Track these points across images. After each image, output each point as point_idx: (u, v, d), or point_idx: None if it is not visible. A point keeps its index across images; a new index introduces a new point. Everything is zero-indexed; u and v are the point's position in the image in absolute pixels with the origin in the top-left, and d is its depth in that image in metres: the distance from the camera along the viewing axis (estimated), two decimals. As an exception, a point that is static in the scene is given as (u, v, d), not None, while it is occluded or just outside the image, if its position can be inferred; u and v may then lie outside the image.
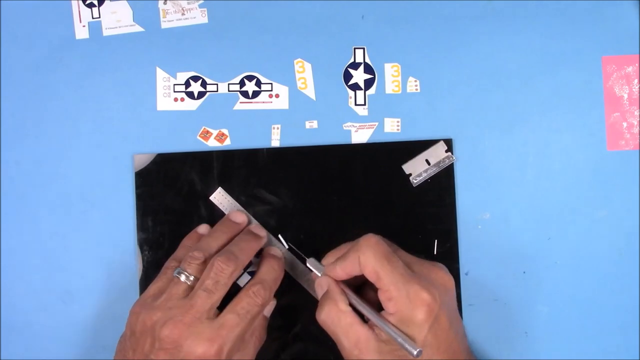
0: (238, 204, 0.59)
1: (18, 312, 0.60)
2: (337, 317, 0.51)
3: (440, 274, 0.52)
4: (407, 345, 0.48)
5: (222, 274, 0.51)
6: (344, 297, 0.52)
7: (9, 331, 0.60)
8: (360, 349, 0.50)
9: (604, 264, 0.59)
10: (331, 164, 0.59)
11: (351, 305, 0.52)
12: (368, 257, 0.50)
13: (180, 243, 0.57)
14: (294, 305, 0.59)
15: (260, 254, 0.57)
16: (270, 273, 0.55)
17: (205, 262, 0.53)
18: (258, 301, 0.52)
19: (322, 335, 0.57)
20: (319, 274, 0.54)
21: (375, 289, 0.52)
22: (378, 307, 0.51)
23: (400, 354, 0.49)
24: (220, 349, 0.50)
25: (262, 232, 0.58)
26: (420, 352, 0.47)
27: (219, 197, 0.59)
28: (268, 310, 0.56)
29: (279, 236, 0.59)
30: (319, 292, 0.54)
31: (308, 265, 0.55)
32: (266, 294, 0.53)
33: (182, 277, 0.52)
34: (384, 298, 0.50)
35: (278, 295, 0.56)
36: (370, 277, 0.50)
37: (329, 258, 0.55)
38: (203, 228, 0.58)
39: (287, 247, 0.59)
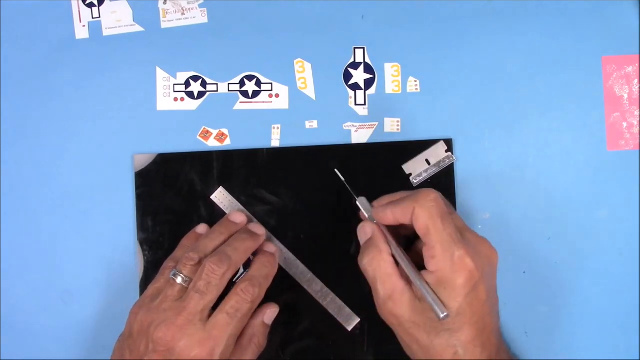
0: (239, 203, 0.59)
1: (18, 312, 0.60)
2: (379, 265, 0.50)
3: (487, 246, 0.51)
4: (435, 306, 0.47)
5: (214, 275, 0.51)
6: (387, 247, 0.51)
7: (9, 331, 0.60)
8: (394, 301, 0.49)
9: (604, 264, 0.59)
10: (331, 164, 0.59)
11: (392, 256, 0.51)
12: (423, 210, 0.49)
13: (179, 243, 0.57)
14: (294, 305, 0.59)
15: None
16: (261, 269, 0.54)
17: (200, 263, 0.52)
18: (247, 298, 0.52)
19: (322, 334, 0.57)
20: (367, 215, 0.53)
21: (420, 247, 0.51)
22: (420, 265, 0.50)
23: (431, 315, 0.48)
24: (212, 350, 0.50)
25: (260, 231, 0.57)
26: (446, 317, 0.47)
27: (220, 197, 0.59)
28: (269, 318, 0.56)
29: (335, 170, 0.58)
30: (362, 237, 0.53)
31: (358, 204, 0.54)
32: (255, 291, 0.52)
33: (178, 279, 0.52)
34: (427, 255, 0.49)
35: (279, 294, 0.56)
36: (420, 231, 0.49)
37: (382, 201, 0.54)
38: (202, 228, 0.58)
39: (343, 179, 0.57)
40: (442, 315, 0.47)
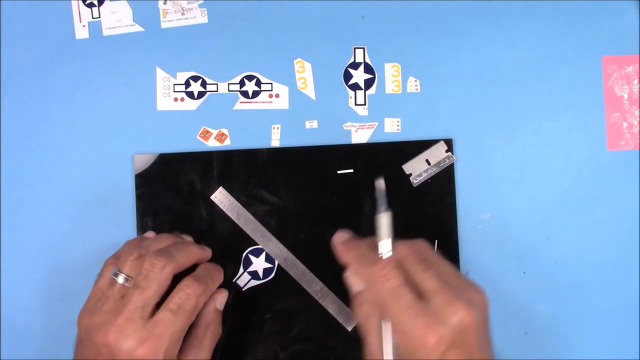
0: (239, 204, 0.59)
1: (18, 312, 0.60)
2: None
3: (479, 293, 0.49)
4: None
5: (153, 268, 0.50)
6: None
7: (9, 331, 0.60)
8: None
9: (604, 264, 0.59)
10: (331, 164, 0.59)
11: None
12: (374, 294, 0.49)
13: (124, 243, 0.56)
14: (295, 307, 0.59)
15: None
16: (206, 271, 0.54)
17: (141, 260, 0.51)
18: (191, 292, 0.51)
19: (322, 335, 0.57)
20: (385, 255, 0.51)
21: None
22: None
23: None
24: (155, 349, 0.48)
25: (208, 249, 0.57)
26: None
27: (220, 197, 0.59)
28: (220, 303, 0.55)
29: (379, 181, 0.56)
30: (355, 286, 0.52)
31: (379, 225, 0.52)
32: (200, 286, 0.51)
33: (119, 279, 0.51)
34: (394, 329, 0.48)
35: (278, 298, 0.56)
36: (378, 308, 0.49)
37: (359, 248, 0.53)
38: (149, 233, 0.58)
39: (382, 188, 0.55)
40: None
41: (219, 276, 0.55)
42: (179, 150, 0.60)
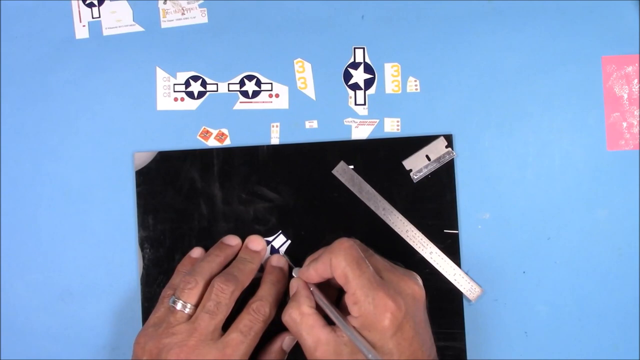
0: (360, 177, 0.59)
1: (18, 312, 0.60)
2: (299, 318, 0.51)
3: (410, 283, 0.52)
4: (363, 349, 0.48)
5: (223, 294, 0.52)
6: (308, 300, 0.52)
7: (9, 331, 0.60)
8: (321, 351, 0.50)
9: (604, 264, 0.59)
10: (331, 161, 0.59)
11: (319, 307, 0.52)
12: (339, 260, 0.50)
13: (175, 269, 0.58)
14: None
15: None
16: (270, 289, 0.55)
17: (198, 287, 0.53)
18: (259, 317, 0.53)
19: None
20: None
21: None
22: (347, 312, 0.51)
23: (359, 357, 0.49)
24: None
25: (259, 246, 0.58)
26: (375, 357, 0.48)
27: (341, 170, 0.59)
28: (287, 345, 0.57)
29: (284, 255, 0.59)
30: (291, 294, 0.54)
31: (293, 274, 0.56)
32: (267, 310, 0.53)
33: (178, 306, 0.53)
34: (350, 302, 0.50)
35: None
36: (340, 280, 0.50)
37: (306, 262, 0.55)
38: (196, 252, 0.59)
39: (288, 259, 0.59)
40: (369, 356, 0.48)
41: (282, 288, 0.57)
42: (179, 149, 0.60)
